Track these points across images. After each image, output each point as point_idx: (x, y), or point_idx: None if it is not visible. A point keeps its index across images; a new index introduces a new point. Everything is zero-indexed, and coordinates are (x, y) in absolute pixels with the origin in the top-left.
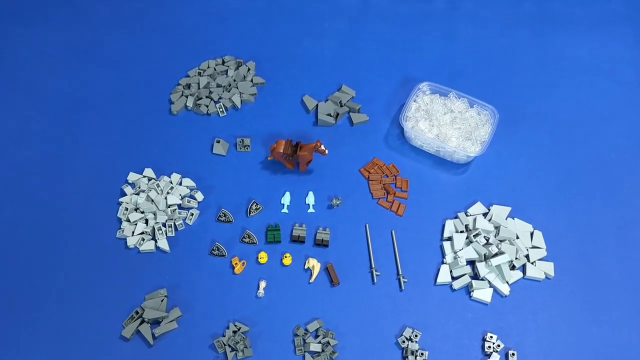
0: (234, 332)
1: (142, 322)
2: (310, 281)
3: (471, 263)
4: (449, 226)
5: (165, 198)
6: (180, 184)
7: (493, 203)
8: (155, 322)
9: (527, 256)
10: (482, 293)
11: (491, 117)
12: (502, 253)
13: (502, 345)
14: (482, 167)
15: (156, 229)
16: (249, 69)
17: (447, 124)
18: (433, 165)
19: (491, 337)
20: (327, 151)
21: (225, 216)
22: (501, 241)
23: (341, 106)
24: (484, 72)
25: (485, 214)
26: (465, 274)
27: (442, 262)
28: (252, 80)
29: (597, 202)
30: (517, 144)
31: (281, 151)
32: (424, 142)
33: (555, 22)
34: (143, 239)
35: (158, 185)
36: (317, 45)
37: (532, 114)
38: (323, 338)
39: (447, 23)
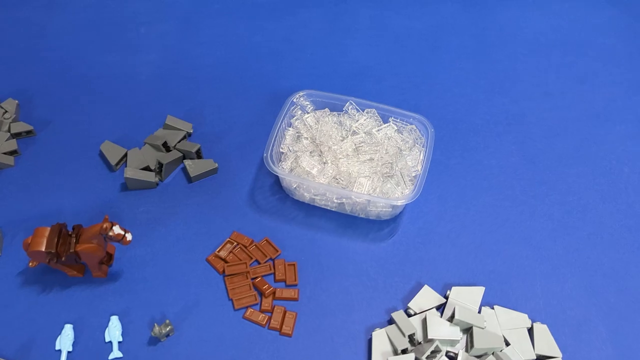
0: None
1: None
2: None
3: None
4: (379, 342)
5: None
6: None
7: (449, 283)
8: None
9: None
10: None
11: (422, 133)
12: None
13: None
14: (420, 221)
15: None
16: (5, 112)
17: (349, 155)
18: (337, 229)
19: None
20: (129, 236)
21: None
22: (479, 357)
23: (168, 151)
24: (393, 74)
25: (440, 307)
26: None
27: None
28: (9, 130)
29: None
30: (471, 175)
31: (43, 249)
32: (315, 194)
33: None
34: None
35: None
36: (124, 63)
37: (484, 123)
38: None
39: (325, 13)
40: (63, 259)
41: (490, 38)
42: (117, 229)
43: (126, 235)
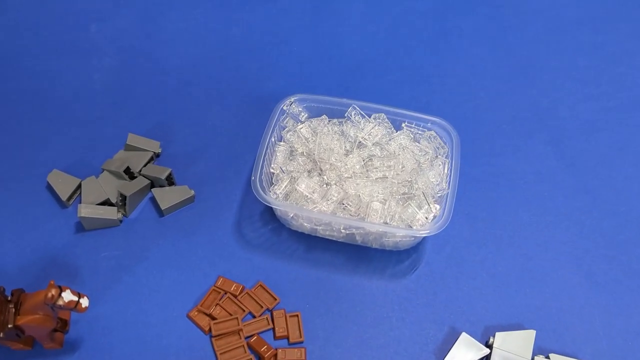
0: None
1: None
2: None
3: None
4: None
5: None
6: None
7: (491, 326)
8: None
9: None
10: None
11: (445, 141)
12: None
13: None
14: (447, 247)
15: None
16: None
17: (356, 173)
18: (346, 264)
19: None
20: (85, 301)
21: None
22: None
23: (132, 178)
24: (396, 67)
25: None
26: None
27: None
28: None
29: None
30: (501, 186)
31: None
32: (317, 223)
33: None
34: None
35: None
36: (73, 70)
37: (511, 121)
38: None
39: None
40: (2, 335)
41: (508, 17)
42: (67, 296)
43: (81, 301)
